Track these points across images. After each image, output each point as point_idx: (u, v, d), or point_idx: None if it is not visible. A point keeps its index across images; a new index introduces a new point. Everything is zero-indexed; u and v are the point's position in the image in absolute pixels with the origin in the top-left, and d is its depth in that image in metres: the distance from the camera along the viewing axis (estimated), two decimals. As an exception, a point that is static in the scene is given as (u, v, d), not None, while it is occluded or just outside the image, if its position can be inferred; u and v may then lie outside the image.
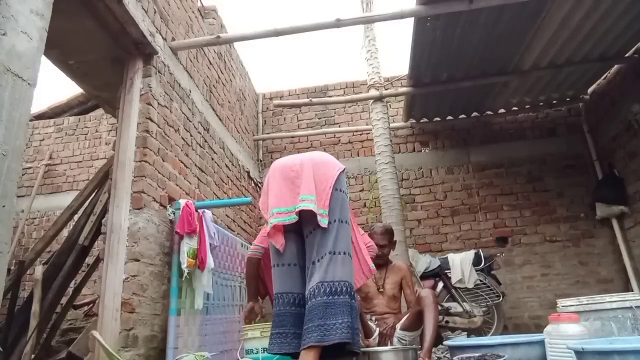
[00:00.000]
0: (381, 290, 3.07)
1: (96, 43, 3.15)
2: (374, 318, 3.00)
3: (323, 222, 2.02)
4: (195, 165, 3.92)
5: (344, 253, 2.02)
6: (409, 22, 4.00)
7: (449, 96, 5.32)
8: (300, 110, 6.58)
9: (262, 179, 6.23)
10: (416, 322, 2.73)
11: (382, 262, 3.10)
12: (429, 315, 2.56)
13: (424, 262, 4.70)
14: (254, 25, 14.48)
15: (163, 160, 3.28)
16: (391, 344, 2.75)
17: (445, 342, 2.80)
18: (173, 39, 3.64)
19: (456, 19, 3.87)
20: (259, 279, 3.04)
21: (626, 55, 4.71)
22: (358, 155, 6.28)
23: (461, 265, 4.57)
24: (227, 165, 4.85)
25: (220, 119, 4.78)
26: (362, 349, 2.34)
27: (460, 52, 4.40)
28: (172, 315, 2.92)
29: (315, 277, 1.97)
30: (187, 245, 3.01)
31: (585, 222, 5.52)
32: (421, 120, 6.02)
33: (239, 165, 5.33)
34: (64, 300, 4.06)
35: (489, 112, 5.85)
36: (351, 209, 2.31)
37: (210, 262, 3.16)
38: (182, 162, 3.63)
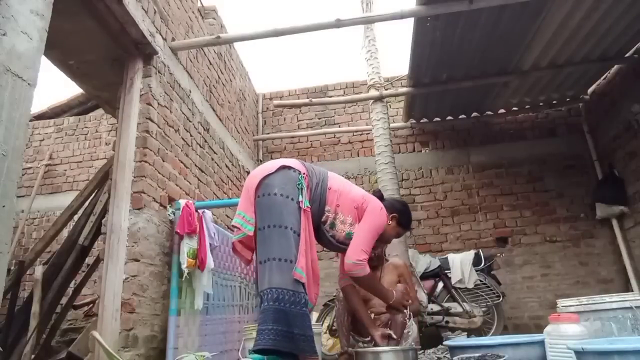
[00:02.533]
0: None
1: (96, 43, 3.15)
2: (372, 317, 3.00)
3: (247, 228, 2.12)
4: (195, 165, 3.92)
5: (276, 259, 1.98)
6: (409, 22, 4.01)
7: (449, 96, 5.32)
8: (300, 111, 6.58)
9: (262, 179, 6.22)
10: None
11: (376, 262, 3.08)
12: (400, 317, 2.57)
13: (424, 262, 4.69)
14: (254, 25, 14.48)
15: (163, 161, 3.28)
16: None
17: (445, 342, 2.80)
18: (173, 39, 3.64)
19: (456, 19, 3.87)
20: None
21: (626, 55, 4.71)
22: (358, 156, 6.28)
23: (461, 265, 4.56)
24: (227, 166, 4.85)
25: (220, 119, 4.78)
26: (362, 350, 2.34)
27: (460, 52, 4.40)
28: (172, 316, 2.92)
29: (258, 287, 2.04)
30: (187, 246, 3.01)
31: (585, 222, 5.52)
32: (421, 121, 6.02)
33: (239, 165, 5.34)
34: (64, 300, 4.06)
35: (489, 113, 5.85)
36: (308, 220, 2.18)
37: (210, 262, 3.16)
38: (182, 162, 3.63)
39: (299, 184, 2.17)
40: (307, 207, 2.17)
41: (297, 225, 2.09)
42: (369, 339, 2.88)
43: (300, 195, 2.15)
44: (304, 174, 2.23)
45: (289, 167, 2.22)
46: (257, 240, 2.11)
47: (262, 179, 2.16)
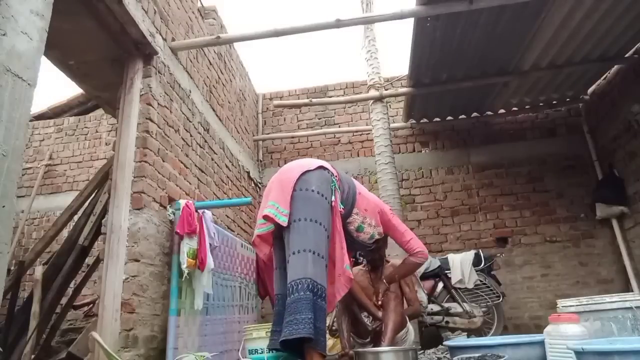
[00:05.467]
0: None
1: (96, 43, 3.15)
2: (370, 317, 3.00)
3: (280, 219, 2.13)
4: (195, 165, 3.92)
5: (312, 252, 2.04)
6: (409, 22, 4.01)
7: (449, 96, 5.32)
8: (300, 111, 6.58)
9: (262, 180, 6.23)
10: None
11: (379, 263, 3.10)
12: (389, 320, 2.65)
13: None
14: (254, 25, 14.47)
15: (163, 161, 3.28)
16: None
17: (445, 343, 2.80)
18: (173, 40, 3.64)
19: (456, 19, 3.87)
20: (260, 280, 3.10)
21: (626, 55, 4.71)
22: (358, 156, 6.28)
23: (461, 265, 4.56)
24: (227, 166, 4.85)
25: (220, 120, 4.78)
26: (362, 350, 2.34)
27: (460, 52, 4.40)
28: (172, 316, 2.92)
29: (289, 276, 2.06)
30: (187, 246, 3.00)
31: (585, 222, 5.52)
32: (421, 121, 6.02)
33: (239, 165, 5.33)
34: (63, 300, 4.06)
35: (489, 113, 5.85)
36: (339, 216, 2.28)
37: (210, 262, 3.16)
38: (182, 162, 3.63)
39: (332, 185, 2.26)
40: (342, 208, 2.27)
41: (328, 223, 2.16)
42: (367, 340, 2.88)
43: (333, 196, 2.23)
44: (336, 176, 2.34)
45: (325, 168, 2.31)
46: (290, 231, 2.13)
47: (301, 174, 2.22)
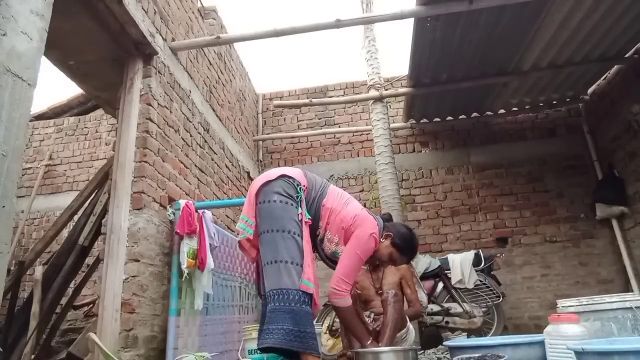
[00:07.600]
0: (380, 292, 3.06)
1: (96, 43, 3.15)
2: (372, 317, 3.00)
3: (249, 232, 2.21)
4: (195, 165, 3.92)
5: (283, 262, 2.03)
6: (409, 23, 4.01)
7: (449, 97, 5.32)
8: (300, 111, 6.58)
9: (262, 180, 6.22)
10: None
11: (378, 262, 3.07)
12: (389, 315, 2.62)
13: (424, 262, 4.70)
14: (254, 25, 14.48)
15: (163, 161, 3.28)
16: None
17: (445, 343, 2.80)
18: (173, 40, 3.64)
19: (456, 20, 3.87)
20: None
21: (626, 55, 4.71)
22: (358, 156, 6.28)
23: (461, 265, 4.56)
24: (227, 166, 4.85)
25: (220, 120, 4.78)
26: (362, 350, 2.34)
27: (460, 52, 4.40)
28: (172, 316, 2.92)
29: (265, 286, 2.07)
30: (187, 246, 3.01)
31: (585, 222, 5.52)
32: (421, 121, 6.02)
33: (239, 165, 5.33)
34: (63, 300, 4.06)
35: (489, 113, 5.85)
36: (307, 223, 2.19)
37: (210, 262, 3.16)
38: (182, 162, 3.63)
39: (297, 196, 2.20)
40: (309, 219, 2.21)
41: (298, 230, 2.12)
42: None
43: (299, 207, 2.18)
44: (303, 186, 2.25)
45: (289, 177, 2.24)
46: (260, 243, 2.16)
47: (261, 185, 2.22)
